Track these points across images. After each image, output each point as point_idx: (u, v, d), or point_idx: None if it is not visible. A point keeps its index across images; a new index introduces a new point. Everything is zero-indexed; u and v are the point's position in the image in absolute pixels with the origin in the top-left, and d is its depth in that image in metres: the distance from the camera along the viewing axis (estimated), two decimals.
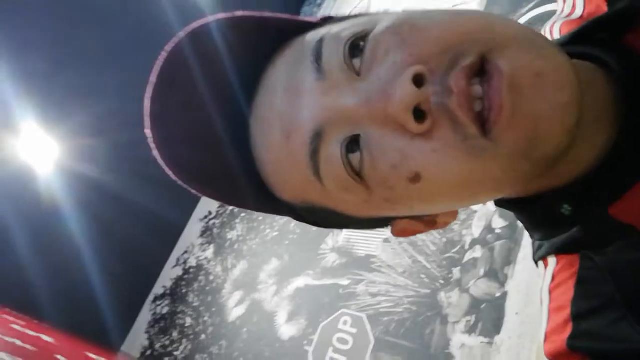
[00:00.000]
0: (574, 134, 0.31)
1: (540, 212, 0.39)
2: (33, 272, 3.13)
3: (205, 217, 3.84)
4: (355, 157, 0.34)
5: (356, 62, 0.34)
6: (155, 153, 0.38)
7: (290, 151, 0.36)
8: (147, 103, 0.37)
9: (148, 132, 0.38)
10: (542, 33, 0.46)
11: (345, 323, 2.15)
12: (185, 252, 3.83)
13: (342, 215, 0.39)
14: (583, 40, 0.40)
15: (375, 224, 0.41)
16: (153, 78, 0.37)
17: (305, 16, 0.41)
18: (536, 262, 0.42)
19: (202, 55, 0.38)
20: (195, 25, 0.38)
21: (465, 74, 0.30)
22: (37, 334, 2.70)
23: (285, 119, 0.36)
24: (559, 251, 0.39)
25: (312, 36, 0.37)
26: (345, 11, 3.70)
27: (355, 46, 0.34)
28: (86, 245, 3.35)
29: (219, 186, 0.40)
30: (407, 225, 0.41)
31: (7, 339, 2.00)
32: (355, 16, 0.40)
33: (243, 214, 3.40)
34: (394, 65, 0.32)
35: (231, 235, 3.41)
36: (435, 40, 0.32)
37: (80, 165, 3.43)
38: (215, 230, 3.64)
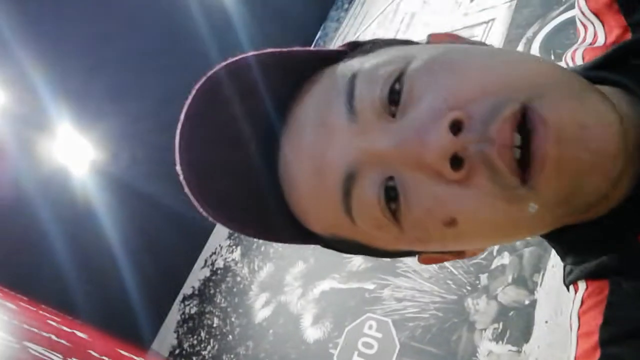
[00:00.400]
0: (617, 181, 0.31)
1: (571, 239, 0.39)
2: (68, 271, 3.24)
3: None
4: (394, 202, 0.34)
5: (393, 107, 0.34)
6: (187, 189, 0.37)
7: (322, 189, 0.36)
8: (178, 138, 0.37)
9: (179, 168, 0.37)
10: (564, 61, 0.46)
11: (370, 327, 2.14)
12: (213, 253, 3.89)
13: (371, 248, 0.39)
14: (610, 65, 0.40)
15: (403, 254, 0.41)
16: (187, 111, 0.37)
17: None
18: (567, 287, 0.42)
19: (237, 91, 0.38)
20: (229, 62, 0.38)
21: (510, 124, 0.30)
22: (72, 330, 2.79)
23: (316, 156, 0.35)
24: (588, 276, 0.39)
25: (343, 71, 0.37)
26: (373, 13, 3.69)
27: (392, 90, 0.34)
28: (119, 246, 3.45)
29: (252, 222, 0.40)
30: (435, 256, 0.42)
31: (43, 333, 2.08)
32: (386, 43, 0.39)
33: None
34: (430, 109, 0.32)
35: None
36: (473, 85, 0.32)
37: (114, 167, 3.54)
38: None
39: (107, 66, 3.28)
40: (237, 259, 3.54)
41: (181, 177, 0.38)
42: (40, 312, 3.00)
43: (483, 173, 0.30)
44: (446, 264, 1.97)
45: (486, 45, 0.39)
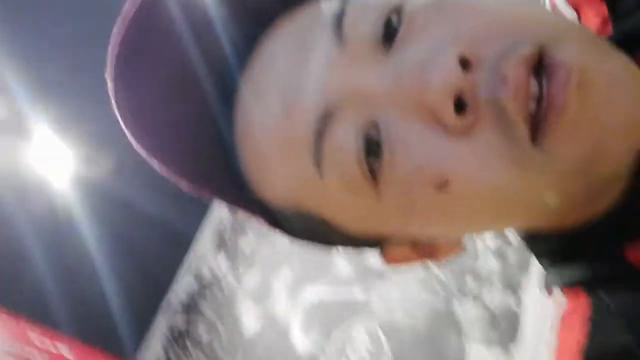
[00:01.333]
0: (632, 159, 0.27)
1: (553, 243, 0.34)
2: (47, 281, 3.17)
3: (217, 224, 3.86)
4: (375, 160, 0.28)
5: (387, 42, 0.29)
6: (117, 109, 0.32)
7: (288, 130, 0.29)
8: (114, 45, 0.31)
9: (110, 81, 0.31)
10: None
11: (359, 334, 2.14)
12: (197, 261, 3.85)
13: (332, 227, 0.33)
14: None
15: (365, 242, 0.35)
16: (121, 25, 0.31)
17: None
18: (544, 290, 0.38)
19: (183, 9, 0.32)
20: None
21: (527, 65, 0.25)
22: (52, 342, 2.73)
23: (287, 89, 0.29)
24: (567, 284, 0.35)
25: None
26: None
27: (389, 22, 0.29)
28: (100, 254, 3.38)
29: (188, 165, 0.34)
30: (401, 251, 0.35)
31: (24, 346, 2.03)
32: None
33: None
34: (435, 42, 0.27)
35: (243, 244, 3.43)
36: (486, 23, 0.27)
37: (93, 172, 3.47)
38: (227, 240, 3.66)
39: (86, 68, 3.22)
40: (222, 266, 3.51)
41: (110, 89, 0.31)
42: (20, 324, 2.92)
43: (490, 123, 0.26)
44: (433, 268, 1.97)
45: None
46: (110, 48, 0.31)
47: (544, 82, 0.25)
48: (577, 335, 0.32)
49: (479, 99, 0.26)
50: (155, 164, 0.33)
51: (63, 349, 2.72)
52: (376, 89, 0.27)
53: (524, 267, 1.64)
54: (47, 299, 3.18)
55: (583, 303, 0.32)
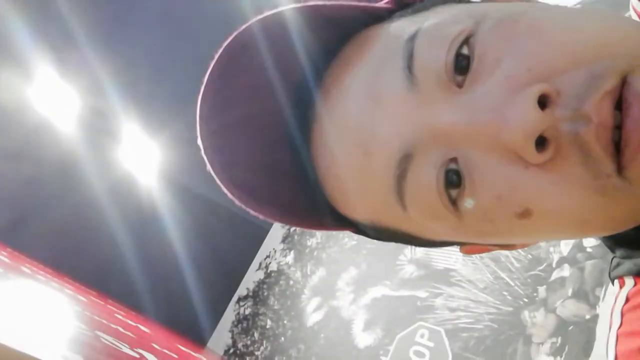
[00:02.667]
0: None
1: (628, 232, 0.34)
2: (133, 269, 3.44)
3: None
4: (455, 189, 0.29)
5: (459, 75, 0.28)
6: (208, 163, 0.34)
7: (369, 171, 0.30)
8: (199, 106, 0.33)
9: (199, 139, 0.33)
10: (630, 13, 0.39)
11: (422, 336, 2.12)
12: (267, 256, 3.98)
13: (415, 237, 0.34)
14: None
15: (447, 244, 0.36)
16: (210, 73, 0.32)
17: None
18: (612, 280, 0.39)
19: (270, 50, 0.33)
20: (266, 14, 0.32)
21: (610, 100, 0.25)
22: (136, 324, 2.96)
23: (364, 132, 0.30)
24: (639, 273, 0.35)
25: (397, 31, 0.31)
26: None
27: (460, 54, 0.28)
28: (181, 247, 3.61)
29: (275, 202, 0.36)
30: (480, 245, 0.36)
31: (112, 325, 2.23)
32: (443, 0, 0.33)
33: None
34: (509, 79, 0.26)
35: (311, 242, 3.50)
36: (563, 51, 0.26)
37: (178, 170, 3.72)
38: (295, 237, 3.76)
39: (173, 71, 3.44)
40: (290, 263, 3.61)
41: (202, 150, 0.33)
42: (108, 305, 3.20)
43: (573, 156, 0.25)
44: (502, 275, 1.92)
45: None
46: (199, 103, 0.33)
47: (623, 113, 0.25)
48: None
49: (560, 135, 0.25)
50: (255, 212, 0.35)
51: (145, 330, 2.94)
52: (454, 127, 0.27)
53: (599, 277, 1.56)
54: (133, 285, 3.45)
55: None
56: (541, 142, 0.25)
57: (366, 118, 0.30)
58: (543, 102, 0.25)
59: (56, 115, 3.34)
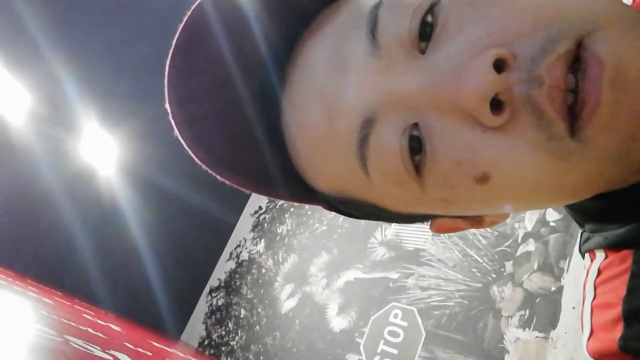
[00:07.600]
0: None
1: (595, 206, 0.35)
2: (97, 267, 3.35)
3: (256, 211, 3.95)
4: (417, 155, 0.29)
5: (422, 42, 0.29)
6: (177, 130, 0.34)
7: (333, 137, 0.31)
8: (168, 74, 0.33)
9: (168, 106, 0.33)
10: None
11: (396, 316, 2.17)
12: (238, 246, 3.96)
13: (382, 209, 0.35)
14: None
15: (415, 219, 0.37)
16: (173, 50, 0.33)
17: None
18: (582, 254, 0.39)
19: (226, 22, 0.33)
20: None
21: (563, 63, 0.25)
22: (106, 323, 2.89)
23: (328, 98, 0.31)
24: (610, 246, 0.35)
25: (361, 1, 0.32)
26: None
27: (423, 22, 0.29)
28: (146, 242, 3.54)
29: (246, 171, 0.36)
30: (450, 222, 0.37)
31: (81, 327, 2.17)
32: None
33: (292, 209, 3.47)
34: (469, 44, 0.27)
35: (281, 229, 3.49)
36: (521, 17, 0.27)
37: (138, 164, 3.62)
38: (265, 225, 3.74)
39: (131, 66, 3.34)
40: (261, 251, 3.60)
41: (170, 117, 0.33)
42: (75, 306, 3.10)
43: (527, 119, 0.26)
44: (470, 252, 1.97)
45: None
46: (166, 73, 0.33)
47: (580, 75, 0.25)
48: (619, 287, 0.32)
49: (515, 97, 0.26)
50: (220, 176, 0.36)
51: (116, 329, 2.88)
52: (413, 93, 0.28)
53: (563, 250, 1.62)
54: (97, 282, 3.37)
55: (625, 259, 0.33)
56: (498, 106, 0.26)
57: (331, 83, 0.30)
58: (500, 66, 0.26)
59: (9, 110, 3.18)
